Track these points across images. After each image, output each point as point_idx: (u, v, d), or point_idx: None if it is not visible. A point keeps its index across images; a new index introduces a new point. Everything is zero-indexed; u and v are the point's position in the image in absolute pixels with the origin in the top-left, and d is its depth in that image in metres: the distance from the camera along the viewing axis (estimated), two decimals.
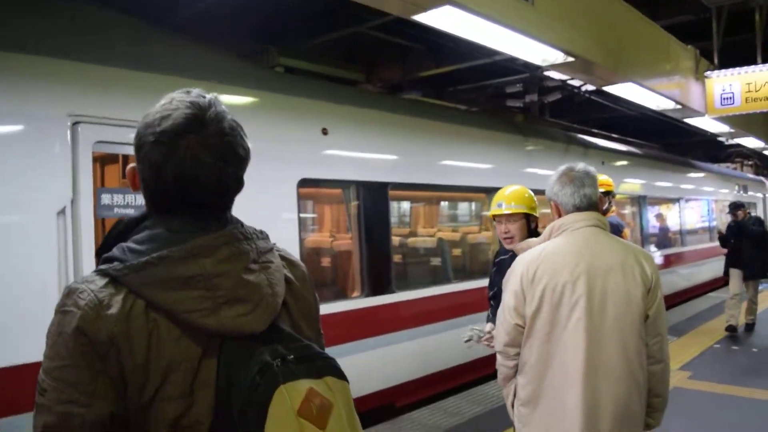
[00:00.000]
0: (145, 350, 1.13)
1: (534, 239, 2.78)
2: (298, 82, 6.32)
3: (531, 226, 3.67)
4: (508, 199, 3.60)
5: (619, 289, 2.44)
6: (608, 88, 7.03)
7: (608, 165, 10.71)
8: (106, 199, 3.99)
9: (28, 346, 3.38)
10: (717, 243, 15.59)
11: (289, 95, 5.65)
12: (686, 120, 9.71)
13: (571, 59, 5.57)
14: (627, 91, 7.28)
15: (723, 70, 8.35)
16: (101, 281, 1.16)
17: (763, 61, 8.68)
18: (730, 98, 8.24)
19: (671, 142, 18.29)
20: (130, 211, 3.99)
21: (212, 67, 5.22)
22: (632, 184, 11.89)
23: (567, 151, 9.74)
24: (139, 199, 4.06)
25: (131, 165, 1.32)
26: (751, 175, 22.31)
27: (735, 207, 9.64)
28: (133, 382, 1.12)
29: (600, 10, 6.14)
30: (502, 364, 2.67)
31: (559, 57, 5.51)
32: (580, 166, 2.67)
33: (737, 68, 8.26)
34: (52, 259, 3.68)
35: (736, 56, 10.39)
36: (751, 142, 12.59)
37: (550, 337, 2.46)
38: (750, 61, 9.48)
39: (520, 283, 2.53)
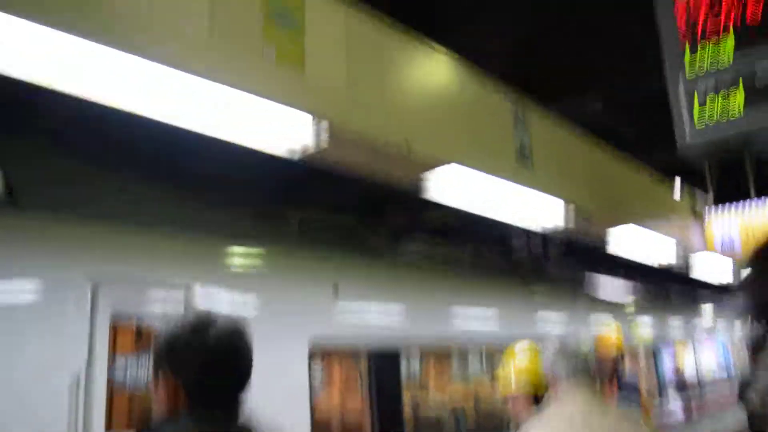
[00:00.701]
0: None
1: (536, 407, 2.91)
2: (311, 237, 6.44)
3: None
4: (516, 378, 3.64)
5: None
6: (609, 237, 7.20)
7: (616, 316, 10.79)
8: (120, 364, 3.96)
9: None
10: None
11: (303, 250, 5.75)
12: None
13: (570, 217, 5.78)
14: (628, 238, 7.46)
15: (720, 210, 8.55)
16: None
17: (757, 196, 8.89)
18: (730, 243, 8.43)
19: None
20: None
21: (232, 226, 5.39)
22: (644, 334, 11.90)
23: (575, 299, 9.82)
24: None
25: (153, 380, 1.54)
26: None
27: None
28: None
29: (596, 164, 6.46)
30: None
31: (558, 218, 5.71)
32: (575, 339, 2.89)
33: (733, 207, 8.45)
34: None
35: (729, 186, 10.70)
36: None
37: None
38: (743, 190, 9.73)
39: None
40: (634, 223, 7.11)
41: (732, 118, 4.05)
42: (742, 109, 4.01)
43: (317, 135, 3.76)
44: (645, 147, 8.87)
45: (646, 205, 7.68)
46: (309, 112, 3.60)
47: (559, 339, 2.90)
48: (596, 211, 6.21)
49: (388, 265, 6.67)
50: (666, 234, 8.04)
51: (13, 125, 5.00)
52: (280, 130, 3.71)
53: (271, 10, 3.44)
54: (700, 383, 13.34)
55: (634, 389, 5.28)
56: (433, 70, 4.58)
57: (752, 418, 7.03)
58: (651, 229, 7.57)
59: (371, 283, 6.16)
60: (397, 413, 5.91)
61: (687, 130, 4.21)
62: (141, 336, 5.17)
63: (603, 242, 7.18)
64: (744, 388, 7.73)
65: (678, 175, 9.77)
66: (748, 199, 8.56)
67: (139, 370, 4.03)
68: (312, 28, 3.66)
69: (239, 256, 5.17)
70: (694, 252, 9.16)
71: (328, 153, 4.02)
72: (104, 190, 4.56)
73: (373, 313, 6.02)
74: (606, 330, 7.51)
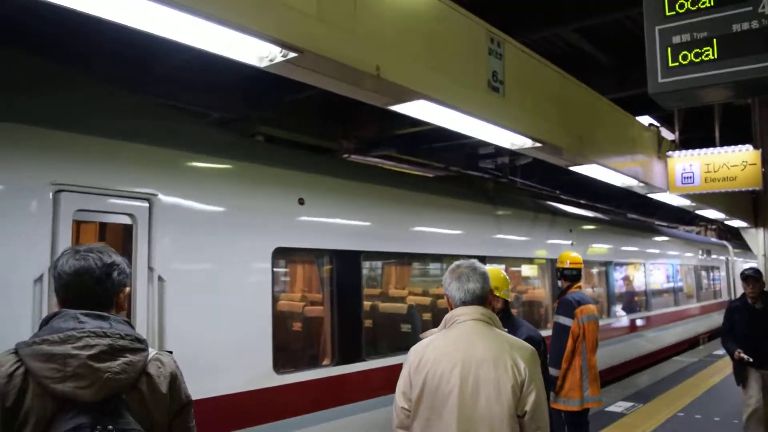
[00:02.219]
0: (15, 398, 1.74)
1: (435, 329, 2.94)
2: (276, 151, 6.47)
3: (496, 306, 3.98)
4: None
5: (489, 380, 2.58)
6: (574, 168, 7.32)
7: (575, 231, 11.03)
8: None
9: None
10: (682, 307, 16.12)
11: (268, 165, 5.73)
12: (650, 195, 10.07)
13: (538, 144, 5.84)
14: (592, 171, 7.58)
15: (683, 151, 8.75)
16: (11, 351, 1.84)
17: (721, 142, 9.12)
18: (691, 178, 8.62)
19: (640, 203, 18.79)
20: None
21: (192, 136, 5.30)
22: (599, 250, 12.24)
23: (535, 218, 10.04)
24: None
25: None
26: (714, 239, 22.93)
27: (752, 278, 6.63)
28: (4, 420, 1.72)
29: (566, 98, 6.46)
30: None
31: (526, 142, 5.78)
32: (468, 262, 2.90)
33: (697, 150, 8.66)
34: (27, 323, 3.71)
35: (695, 126, 10.87)
36: (712, 214, 13.04)
37: (429, 422, 2.63)
38: (709, 132, 9.97)
39: (408, 369, 2.74)
40: (600, 159, 7.20)
41: (705, 60, 4.07)
42: (716, 53, 4.02)
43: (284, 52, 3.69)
44: (619, 80, 8.89)
45: (612, 142, 7.76)
46: (276, 37, 3.50)
47: (458, 265, 2.90)
48: (563, 145, 6.26)
49: (352, 180, 6.73)
50: (630, 170, 8.19)
51: None
52: (247, 45, 3.62)
53: None
54: (648, 299, 14.06)
55: (570, 305, 5.81)
56: None
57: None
58: (616, 165, 7.68)
59: (335, 197, 6.27)
60: (355, 306, 6.25)
61: (659, 69, 4.22)
62: (104, 234, 5.26)
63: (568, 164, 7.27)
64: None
65: (648, 111, 9.82)
66: (711, 147, 8.71)
67: None
68: None
69: (207, 168, 5.18)
70: (656, 190, 9.35)
71: (297, 66, 3.95)
72: (70, 98, 4.49)
73: (336, 225, 6.18)
74: (565, 248, 7.77)
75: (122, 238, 4.46)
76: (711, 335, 18.61)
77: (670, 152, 8.86)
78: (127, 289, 2.06)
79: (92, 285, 1.94)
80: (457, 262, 2.92)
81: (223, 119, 7.98)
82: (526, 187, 12.65)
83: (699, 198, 10.03)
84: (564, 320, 5.79)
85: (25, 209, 3.83)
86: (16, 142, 3.90)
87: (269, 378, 5.13)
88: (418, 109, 4.80)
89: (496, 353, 2.64)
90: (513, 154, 11.75)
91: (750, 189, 8.63)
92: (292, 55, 3.67)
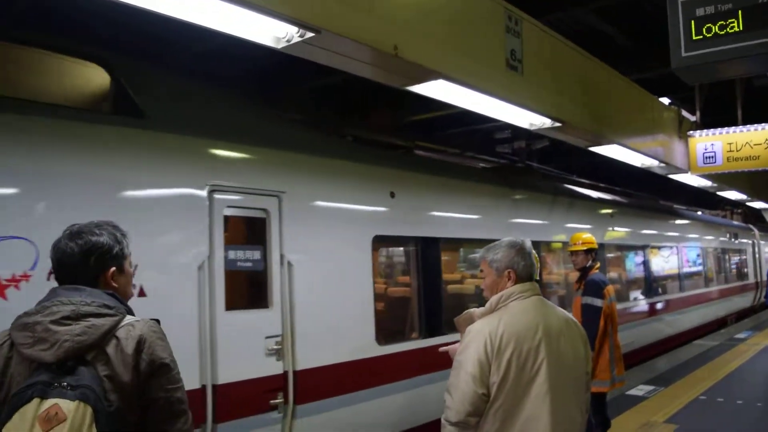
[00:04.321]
0: (2, 365, 1.95)
1: (477, 309, 2.90)
2: (368, 150, 7.09)
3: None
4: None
5: (568, 350, 2.72)
6: (594, 149, 7.24)
7: (615, 217, 11.17)
8: (231, 254, 4.76)
9: None
10: (713, 288, 16.14)
11: (364, 163, 6.39)
12: (670, 176, 9.94)
13: (558, 124, 5.78)
14: (612, 151, 7.50)
15: (705, 130, 8.59)
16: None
17: (743, 123, 8.94)
18: (712, 157, 8.46)
19: (662, 187, 18.57)
20: (249, 265, 4.89)
21: (305, 139, 5.93)
22: (637, 234, 12.41)
23: (582, 205, 10.31)
24: (256, 254, 4.96)
25: None
26: (738, 223, 22.81)
27: None
28: None
29: (586, 77, 6.39)
30: None
31: (546, 122, 5.72)
32: (521, 240, 2.92)
33: (718, 129, 8.50)
34: (194, 303, 4.38)
35: (716, 108, 10.69)
36: (734, 195, 12.87)
37: (517, 401, 2.60)
38: (730, 114, 9.78)
39: (485, 353, 2.62)
40: (621, 139, 7.12)
41: (731, 33, 3.99)
42: (741, 25, 3.94)
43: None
44: (639, 62, 8.75)
45: (632, 121, 7.67)
46: (293, 16, 3.48)
47: (520, 243, 2.90)
48: (583, 125, 6.19)
49: (430, 174, 7.38)
50: (650, 151, 8.09)
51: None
52: (264, 25, 3.62)
53: None
54: (682, 281, 14.23)
55: (598, 286, 5.80)
56: None
57: None
58: (636, 145, 7.60)
59: (418, 190, 6.96)
60: (436, 287, 6.93)
61: (683, 43, 4.14)
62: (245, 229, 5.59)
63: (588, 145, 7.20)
64: None
65: (667, 93, 9.68)
66: (733, 126, 8.51)
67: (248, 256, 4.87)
68: None
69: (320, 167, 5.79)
70: (676, 171, 9.22)
71: (314, 47, 3.93)
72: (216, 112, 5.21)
73: (420, 214, 6.83)
74: (580, 229, 7.75)
75: (257, 229, 5.08)
76: (739, 315, 18.89)
77: (691, 132, 8.69)
78: (112, 269, 2.16)
79: (71, 270, 2.10)
80: (510, 240, 2.91)
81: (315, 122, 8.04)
82: (568, 177, 12.70)
83: (720, 178, 9.87)
84: (595, 301, 5.76)
85: (188, 206, 4.48)
86: (180, 151, 4.59)
87: (373, 349, 5.88)
88: (437, 89, 4.77)
89: (564, 324, 2.79)
90: (529, 137, 11.66)
91: None
92: (309, 35, 3.66)
